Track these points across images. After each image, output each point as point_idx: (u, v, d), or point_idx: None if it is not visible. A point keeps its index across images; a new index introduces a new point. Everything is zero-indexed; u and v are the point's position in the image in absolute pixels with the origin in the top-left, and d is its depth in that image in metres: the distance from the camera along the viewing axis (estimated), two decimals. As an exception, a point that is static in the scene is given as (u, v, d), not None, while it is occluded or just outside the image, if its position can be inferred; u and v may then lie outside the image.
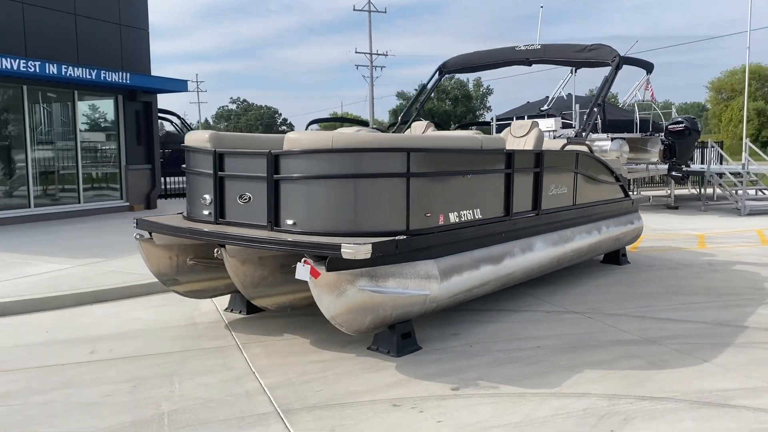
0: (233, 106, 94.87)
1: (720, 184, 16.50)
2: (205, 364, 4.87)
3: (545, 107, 18.09)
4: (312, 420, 3.86)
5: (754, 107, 61.54)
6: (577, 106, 16.12)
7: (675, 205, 17.25)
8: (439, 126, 22.14)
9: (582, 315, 6.26)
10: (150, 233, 5.65)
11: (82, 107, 14.58)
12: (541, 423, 3.81)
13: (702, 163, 20.32)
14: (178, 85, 15.43)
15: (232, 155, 5.26)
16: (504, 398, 4.18)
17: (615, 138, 15.79)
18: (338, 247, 4.34)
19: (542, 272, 6.82)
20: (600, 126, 16.27)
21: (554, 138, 16.63)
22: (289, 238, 4.74)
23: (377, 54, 50.17)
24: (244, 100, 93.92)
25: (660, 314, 6.27)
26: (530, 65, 9.08)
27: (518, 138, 7.42)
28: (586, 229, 7.61)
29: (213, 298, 6.71)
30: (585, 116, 8.34)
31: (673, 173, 15.71)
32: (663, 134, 15.87)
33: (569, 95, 18.20)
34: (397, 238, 4.68)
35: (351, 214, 4.78)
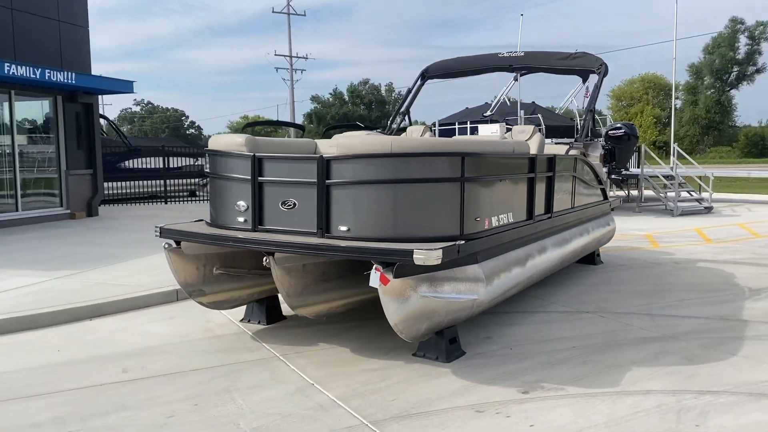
0: (137, 108, 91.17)
1: (654, 187, 17.48)
2: (256, 378, 4.69)
3: (488, 113, 18.54)
4: (407, 429, 3.80)
5: (652, 114, 65.58)
6: (522, 112, 16.64)
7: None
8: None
9: (595, 314, 6.48)
10: (177, 242, 5.38)
11: (20, 108, 13.62)
12: (626, 422, 3.93)
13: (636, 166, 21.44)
14: (123, 86, 14.72)
15: (274, 160, 5.09)
16: (577, 399, 4.28)
17: (559, 143, 16.41)
18: (410, 252, 4.31)
19: (551, 273, 7.01)
20: (543, 131, 16.87)
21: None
22: (343, 244, 4.66)
23: (297, 57, 49.80)
24: (149, 102, 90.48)
25: (663, 311, 6.58)
26: (513, 72, 9.32)
27: None
28: (579, 230, 7.89)
29: (222, 310, 6.48)
30: (582, 122, 8.66)
31: (613, 176, 16.48)
32: (603, 139, 16.62)
33: (513, 101, 18.75)
34: (458, 243, 4.69)
35: (409, 219, 4.75)
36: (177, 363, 5.04)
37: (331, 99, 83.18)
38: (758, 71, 65.10)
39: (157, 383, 4.61)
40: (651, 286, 7.84)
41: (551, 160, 6.66)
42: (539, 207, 6.40)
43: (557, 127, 17.39)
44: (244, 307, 6.19)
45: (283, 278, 4.92)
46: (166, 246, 5.42)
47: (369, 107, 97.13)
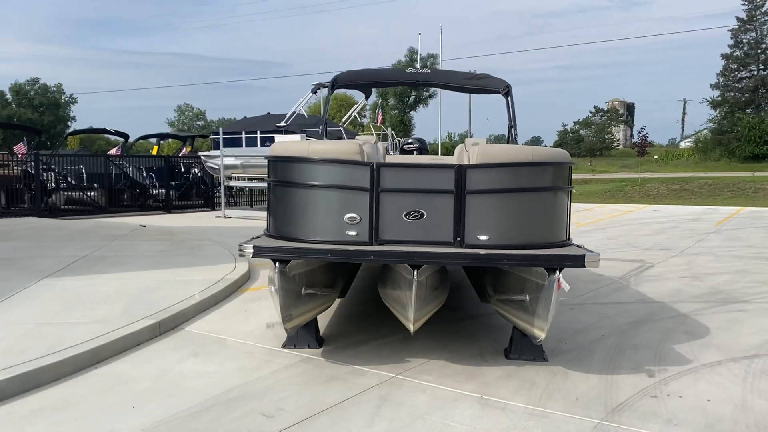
0: None
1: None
2: (413, 409, 4.38)
3: (283, 123, 18.48)
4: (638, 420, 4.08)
5: (346, 129, 71.46)
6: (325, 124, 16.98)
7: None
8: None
9: (601, 305, 7.32)
10: (285, 261, 4.66)
11: None
12: None
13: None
14: None
15: (397, 168, 4.80)
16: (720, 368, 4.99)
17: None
18: (581, 258, 4.55)
19: None
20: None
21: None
22: (482, 252, 4.68)
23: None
24: None
25: (623, 298, 7.72)
26: (419, 87, 9.68)
27: None
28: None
29: (231, 337, 5.73)
30: (512, 130, 9.40)
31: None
32: (398, 153, 17.91)
33: (311, 114, 18.97)
34: (582, 246, 5.04)
35: (543, 226, 4.94)
36: (301, 404, 4.38)
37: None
38: (430, 96, 75.27)
39: (321, 427, 4.03)
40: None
41: None
42: None
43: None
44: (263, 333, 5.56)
45: (420, 292, 4.68)
46: (280, 268, 4.65)
47: (38, 109, 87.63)
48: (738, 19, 52.32)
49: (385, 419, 4.11)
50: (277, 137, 17.87)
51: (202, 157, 20.65)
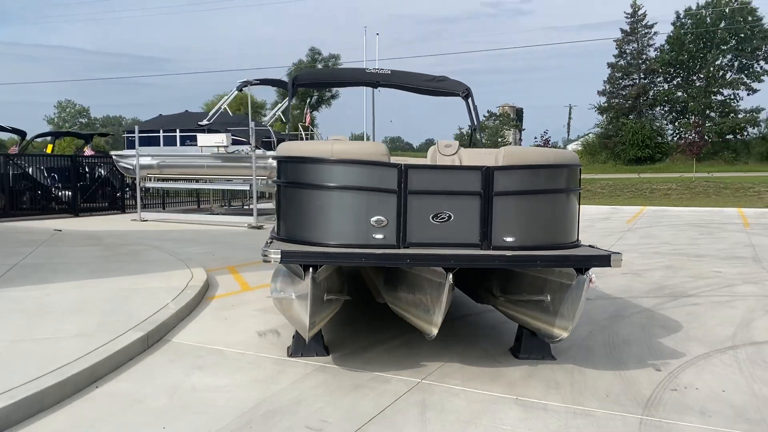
0: None
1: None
2: (458, 414, 4.32)
3: (205, 122, 17.77)
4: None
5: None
6: (253, 123, 16.53)
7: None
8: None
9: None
10: (315, 266, 4.43)
11: None
12: None
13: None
14: None
15: (424, 170, 4.70)
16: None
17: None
18: (607, 258, 4.66)
19: None
20: (275, 144, 17.14)
21: (239, 153, 16.74)
22: (515, 254, 4.71)
23: None
24: None
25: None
26: (377, 88, 9.54)
27: (448, 156, 8.06)
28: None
29: (227, 348, 5.45)
30: (474, 133, 9.39)
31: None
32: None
33: (238, 112, 18.32)
34: (595, 246, 5.16)
35: (564, 226, 5.02)
36: (341, 415, 4.21)
37: None
38: (333, 97, 75.25)
39: (388, 432, 3.89)
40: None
41: None
42: None
43: (272, 141, 17.97)
44: (262, 341, 5.33)
45: (449, 295, 4.62)
46: (314, 275, 4.40)
47: None
48: (622, 30, 56.00)
49: (435, 425, 4.02)
50: (200, 136, 17.19)
51: (114, 157, 19.48)
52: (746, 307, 7.49)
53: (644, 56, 56.12)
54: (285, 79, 19.76)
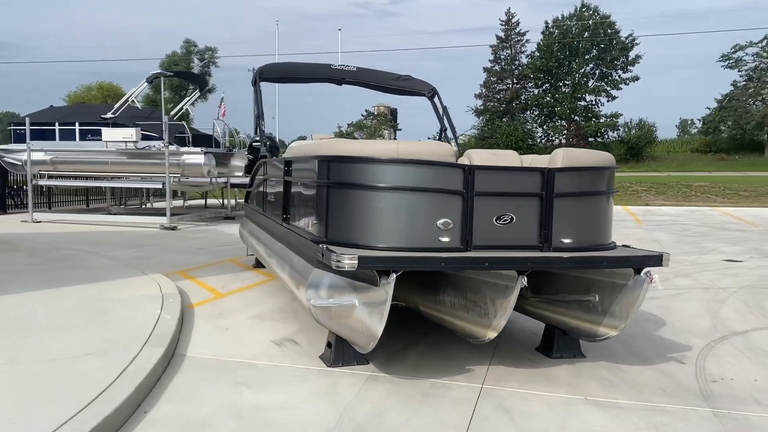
0: None
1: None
2: (546, 418, 4.29)
3: (110, 115, 16.44)
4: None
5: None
6: (167, 117, 15.54)
7: (232, 215, 18.56)
8: None
9: None
10: (392, 272, 4.18)
11: None
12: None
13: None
14: None
15: (488, 171, 4.60)
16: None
17: (207, 152, 16.11)
18: (659, 257, 4.82)
19: None
20: (190, 140, 16.26)
21: (150, 149, 15.69)
22: (565, 255, 4.76)
23: None
24: None
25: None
26: (341, 85, 9.20)
27: None
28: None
29: (253, 360, 5.09)
30: (443, 133, 9.24)
31: (254, 186, 17.07)
32: (247, 150, 16.99)
33: (148, 106, 17.06)
34: (629, 246, 5.33)
35: (606, 227, 5.13)
36: (434, 427, 4.03)
37: None
38: (209, 91, 72.82)
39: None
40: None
41: None
42: None
43: (200, 136, 17.16)
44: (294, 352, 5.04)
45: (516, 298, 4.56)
46: (387, 281, 4.13)
47: None
48: (497, 37, 58.61)
49: (533, 432, 3.97)
50: (105, 130, 15.92)
51: (-1, 152, 17.58)
52: (698, 299, 8.06)
53: (517, 62, 59.07)
54: (196, 71, 18.71)
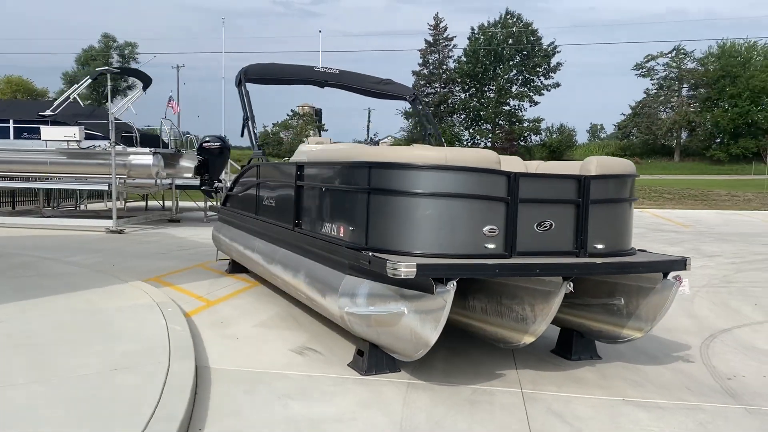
0: None
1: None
2: (600, 422, 4.39)
3: (49, 112, 15.51)
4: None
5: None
6: (113, 116, 14.82)
7: (177, 218, 17.93)
8: None
9: None
10: (449, 279, 4.14)
11: None
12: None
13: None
14: None
15: (530, 178, 4.66)
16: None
17: (156, 153, 15.52)
18: (683, 261, 5.03)
19: None
20: (138, 140, 15.61)
21: (95, 149, 14.97)
22: (599, 261, 4.90)
23: None
24: None
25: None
26: (323, 87, 9.02)
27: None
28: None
29: (281, 370, 4.97)
30: (427, 135, 9.17)
31: (204, 188, 16.51)
32: (197, 151, 16.43)
33: (92, 104, 16.16)
34: (645, 251, 5.53)
35: (630, 232, 5.29)
36: None
37: None
38: (129, 87, 70.18)
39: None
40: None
41: None
42: None
43: (147, 136, 16.50)
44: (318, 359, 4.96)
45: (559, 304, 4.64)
46: (446, 288, 4.09)
47: None
48: (426, 41, 59.52)
49: (593, 435, 4.05)
50: (44, 128, 15.03)
51: None
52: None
53: (445, 66, 60.18)
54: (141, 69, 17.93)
